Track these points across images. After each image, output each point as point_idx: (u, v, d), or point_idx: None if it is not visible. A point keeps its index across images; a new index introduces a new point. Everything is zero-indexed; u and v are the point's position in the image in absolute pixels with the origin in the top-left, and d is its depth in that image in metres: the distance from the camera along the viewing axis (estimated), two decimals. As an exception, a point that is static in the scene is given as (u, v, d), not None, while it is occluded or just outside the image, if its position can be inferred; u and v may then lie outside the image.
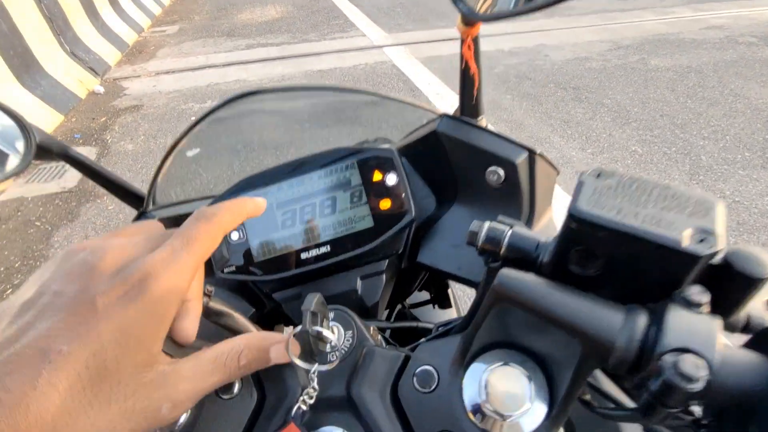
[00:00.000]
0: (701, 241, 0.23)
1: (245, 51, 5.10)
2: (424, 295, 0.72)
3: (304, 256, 0.47)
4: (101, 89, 4.38)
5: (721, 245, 0.23)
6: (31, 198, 2.71)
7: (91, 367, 0.24)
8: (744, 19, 5.17)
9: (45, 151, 0.48)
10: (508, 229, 0.30)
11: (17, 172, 0.45)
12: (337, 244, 0.46)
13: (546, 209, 0.49)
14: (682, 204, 0.25)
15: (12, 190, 2.76)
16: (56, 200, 2.70)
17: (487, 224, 0.31)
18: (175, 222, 0.52)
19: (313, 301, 0.31)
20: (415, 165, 0.51)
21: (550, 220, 0.51)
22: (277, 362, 0.31)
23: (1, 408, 0.21)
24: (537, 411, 0.28)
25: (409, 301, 0.72)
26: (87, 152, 3.28)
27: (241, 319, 0.38)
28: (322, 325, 0.31)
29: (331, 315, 0.36)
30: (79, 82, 4.29)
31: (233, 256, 0.48)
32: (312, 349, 0.30)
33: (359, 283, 0.47)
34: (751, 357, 0.21)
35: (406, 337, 0.55)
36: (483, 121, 0.54)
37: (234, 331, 0.38)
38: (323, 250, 0.46)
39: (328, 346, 0.33)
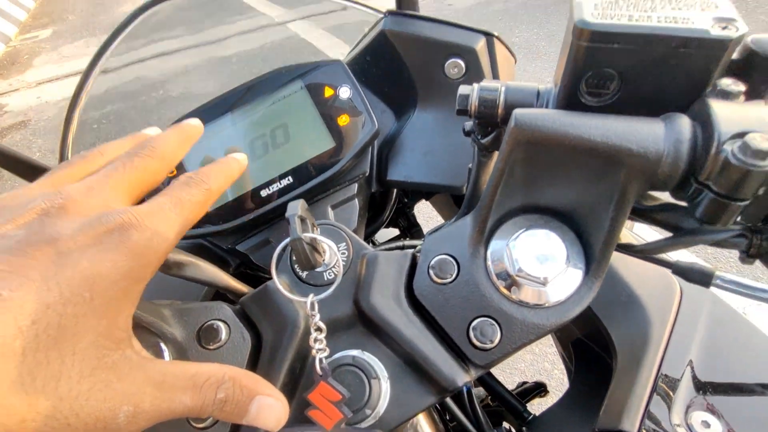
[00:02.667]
0: (725, 28, 0.21)
1: (138, 49, 4.71)
2: (392, 233, 0.69)
3: (264, 193, 0.41)
4: (-25, 111, 3.90)
5: (745, 29, 0.21)
6: None
7: (40, 322, 0.18)
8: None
9: None
10: (501, 86, 0.27)
11: None
12: (299, 172, 0.41)
13: None
14: (689, 2, 0.22)
15: None
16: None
17: (476, 86, 0.27)
18: None
19: (297, 206, 0.26)
20: (366, 79, 0.46)
21: None
22: (255, 423, 0.24)
23: None
24: (574, 272, 0.25)
25: (378, 239, 0.68)
26: (-26, 182, 2.90)
27: (209, 268, 0.32)
28: (313, 232, 0.26)
29: (317, 231, 0.31)
30: (-55, 106, 3.80)
31: None
32: (309, 260, 0.25)
33: (331, 212, 0.42)
34: None
35: None
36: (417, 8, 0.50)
37: (203, 283, 0.32)
38: (285, 182, 0.41)
39: (323, 260, 0.29)
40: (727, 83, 0.21)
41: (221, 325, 0.29)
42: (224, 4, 5.91)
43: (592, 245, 0.25)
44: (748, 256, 0.23)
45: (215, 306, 0.29)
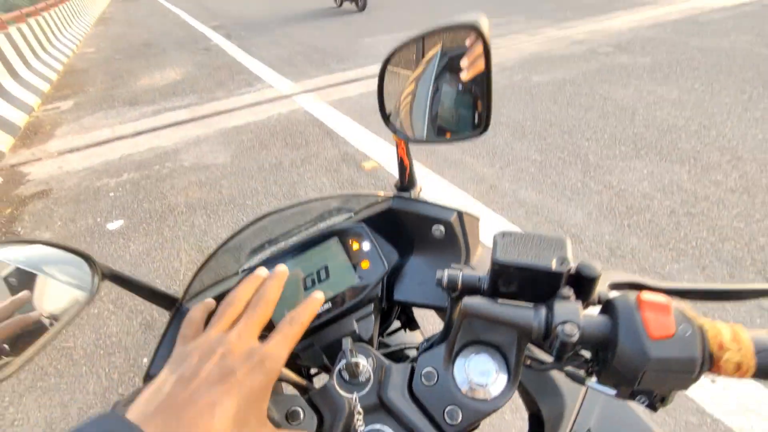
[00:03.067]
0: (561, 263, 0.41)
1: (153, 117, 5.02)
2: (396, 324, 0.87)
3: None
4: (-1, 179, 4.09)
5: (572, 265, 0.41)
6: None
7: (239, 409, 0.37)
8: (599, 32, 6.01)
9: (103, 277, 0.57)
10: (460, 273, 0.46)
11: (89, 301, 0.54)
12: (335, 300, 0.60)
13: (477, 246, 0.67)
14: (548, 244, 0.42)
15: None
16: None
17: (447, 271, 0.47)
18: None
19: (349, 341, 0.45)
20: (378, 231, 0.67)
21: (482, 252, 0.68)
22: None
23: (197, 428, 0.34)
24: (502, 378, 0.44)
25: (388, 331, 0.86)
26: (-2, 249, 3.06)
27: (283, 369, 0.51)
28: (356, 357, 0.45)
29: (357, 354, 0.50)
30: (-28, 175, 3.98)
31: None
32: (354, 372, 0.44)
33: (356, 324, 0.61)
34: (599, 318, 0.39)
35: (395, 356, 0.70)
36: (418, 188, 0.71)
37: (278, 379, 0.51)
38: (326, 306, 0.60)
39: (360, 370, 0.47)
40: (565, 290, 0.40)
41: (300, 410, 0.46)
42: (234, 73, 6.35)
43: (510, 364, 0.44)
44: (587, 375, 0.42)
45: (296, 397, 0.47)
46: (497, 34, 6.48)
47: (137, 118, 5.09)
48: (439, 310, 0.70)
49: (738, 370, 0.33)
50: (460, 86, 0.57)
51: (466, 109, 0.58)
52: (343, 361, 0.46)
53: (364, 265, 0.61)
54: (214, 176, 3.56)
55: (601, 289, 0.42)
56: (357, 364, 0.45)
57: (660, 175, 2.79)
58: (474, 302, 0.42)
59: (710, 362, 0.34)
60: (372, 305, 0.62)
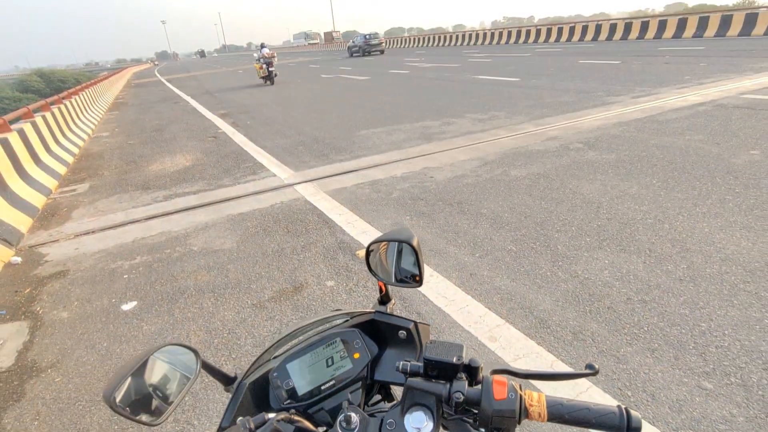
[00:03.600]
0: (458, 359, 0.74)
1: (164, 202, 5.41)
2: (379, 397, 1.18)
3: (323, 387, 0.92)
4: (18, 259, 4.33)
5: (464, 360, 0.74)
6: (-33, 386, 2.67)
7: None
8: (571, 129, 6.68)
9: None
10: (409, 364, 0.79)
11: (194, 381, 0.86)
12: (337, 378, 0.93)
13: (428, 342, 1.01)
14: (454, 348, 0.75)
15: (-55, 382, 2.72)
16: (-4, 383, 2.69)
17: (401, 362, 0.80)
18: (257, 382, 0.94)
19: (346, 403, 0.77)
20: (365, 332, 1.00)
21: None
22: None
23: None
24: (429, 425, 0.75)
25: (371, 402, 1.17)
26: (17, 328, 3.28)
27: (303, 422, 0.82)
28: (350, 413, 0.77)
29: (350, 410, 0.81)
30: (-5, 257, 4.25)
31: (287, 395, 0.92)
32: (348, 423, 0.76)
33: (349, 395, 0.93)
34: (476, 389, 0.71)
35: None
36: (392, 303, 1.06)
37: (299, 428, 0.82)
38: (331, 383, 0.92)
39: (352, 422, 0.79)
40: (460, 374, 0.72)
41: None
42: (240, 161, 6.87)
43: (434, 417, 0.75)
44: (474, 422, 0.73)
45: None
46: (480, 129, 7.16)
47: (149, 202, 5.48)
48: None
49: (540, 417, 0.66)
50: (409, 262, 0.95)
51: (412, 270, 0.96)
52: (342, 415, 0.78)
53: (356, 356, 0.95)
54: (221, 261, 3.87)
55: (486, 373, 0.76)
56: (350, 417, 0.77)
57: (619, 264, 3.15)
58: (413, 381, 0.75)
59: (526, 413, 0.67)
60: (360, 382, 0.94)
